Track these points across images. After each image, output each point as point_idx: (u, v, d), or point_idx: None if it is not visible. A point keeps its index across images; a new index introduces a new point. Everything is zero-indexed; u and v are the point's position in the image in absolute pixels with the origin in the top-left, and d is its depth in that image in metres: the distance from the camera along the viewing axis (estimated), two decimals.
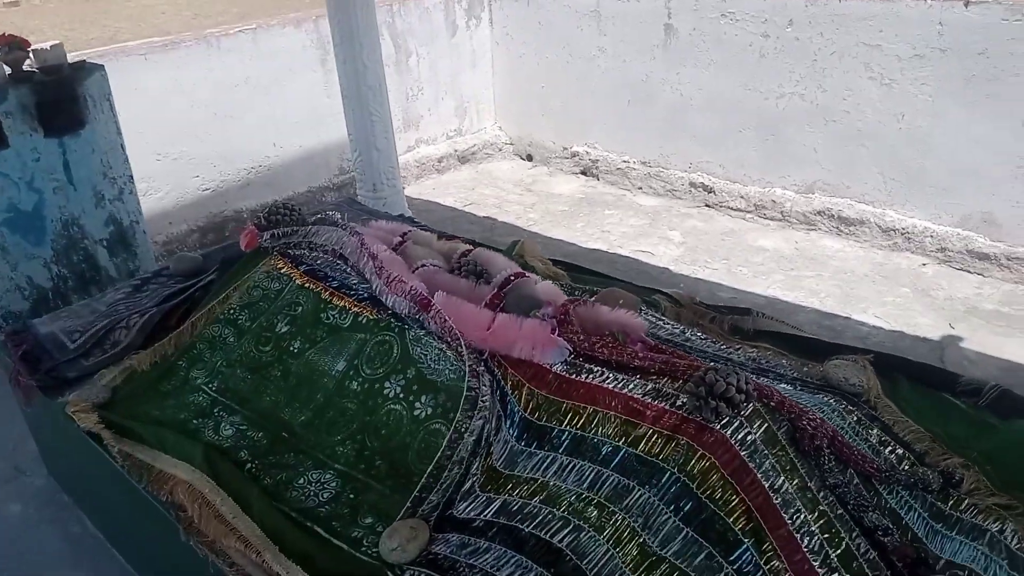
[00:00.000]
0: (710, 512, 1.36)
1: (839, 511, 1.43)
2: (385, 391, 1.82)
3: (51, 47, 3.52)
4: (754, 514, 1.36)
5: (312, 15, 4.82)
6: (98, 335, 2.30)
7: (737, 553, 1.32)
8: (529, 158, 5.73)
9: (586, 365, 1.64)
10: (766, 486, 1.39)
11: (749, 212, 4.53)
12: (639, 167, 4.98)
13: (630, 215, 4.71)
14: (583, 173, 5.33)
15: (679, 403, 1.50)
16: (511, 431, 1.62)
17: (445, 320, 1.74)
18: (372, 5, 3.77)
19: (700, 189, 4.70)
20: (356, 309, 1.97)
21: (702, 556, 1.32)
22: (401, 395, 1.79)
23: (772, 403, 1.50)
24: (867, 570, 1.36)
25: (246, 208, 4.69)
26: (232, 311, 2.17)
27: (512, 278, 1.87)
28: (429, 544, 1.52)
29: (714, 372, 1.45)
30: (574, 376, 1.62)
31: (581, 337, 1.66)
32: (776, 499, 1.39)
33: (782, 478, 1.42)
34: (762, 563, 1.31)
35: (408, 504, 1.60)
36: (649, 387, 1.55)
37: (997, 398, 1.76)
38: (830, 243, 4.19)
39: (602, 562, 1.37)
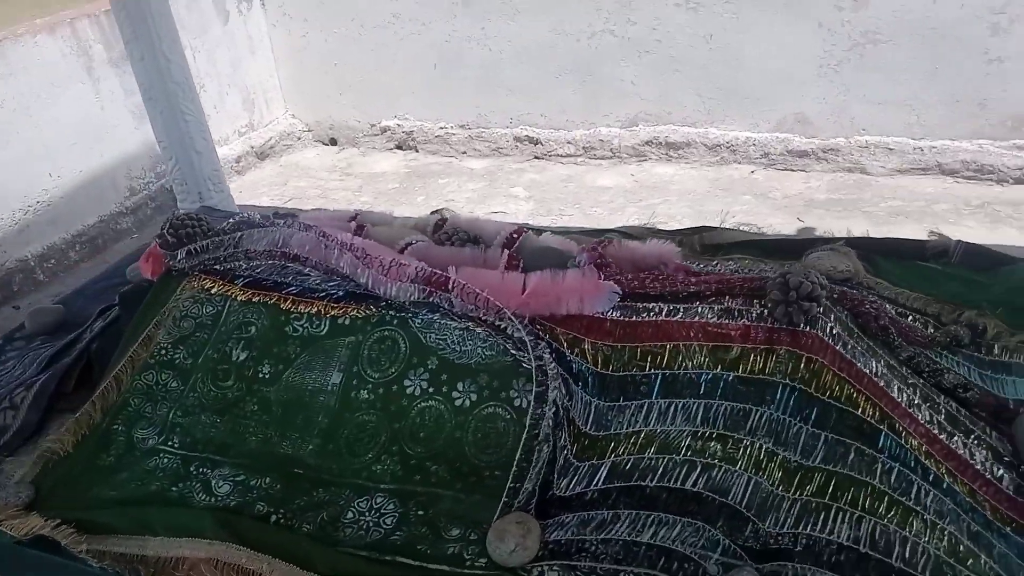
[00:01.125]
0: (839, 410, 1.34)
1: (922, 380, 1.47)
2: (408, 390, 1.59)
3: None
4: (873, 400, 1.35)
5: (65, 18, 4.13)
6: None
7: (880, 441, 1.30)
8: (333, 142, 5.39)
9: (640, 304, 1.53)
10: (868, 372, 1.39)
11: (579, 156, 4.60)
12: (459, 131, 4.87)
13: (465, 180, 4.60)
14: (399, 148, 5.12)
15: (759, 315, 1.44)
16: (587, 391, 1.47)
17: (477, 293, 1.54)
18: None
19: (526, 142, 4.69)
20: (333, 312, 1.70)
21: (852, 455, 1.29)
22: (430, 389, 1.57)
23: (834, 295, 1.50)
24: (970, 425, 1.41)
25: (31, 254, 3.97)
26: (163, 351, 1.78)
27: (515, 236, 1.71)
28: (543, 534, 1.35)
29: (793, 275, 1.41)
30: (635, 318, 1.51)
31: (629, 277, 1.54)
32: (880, 382, 1.38)
33: (873, 361, 1.42)
34: (903, 443, 1.30)
35: (504, 498, 1.41)
36: (718, 309, 1.49)
37: (964, 253, 1.91)
38: (664, 169, 4.37)
39: (748, 492, 1.29)
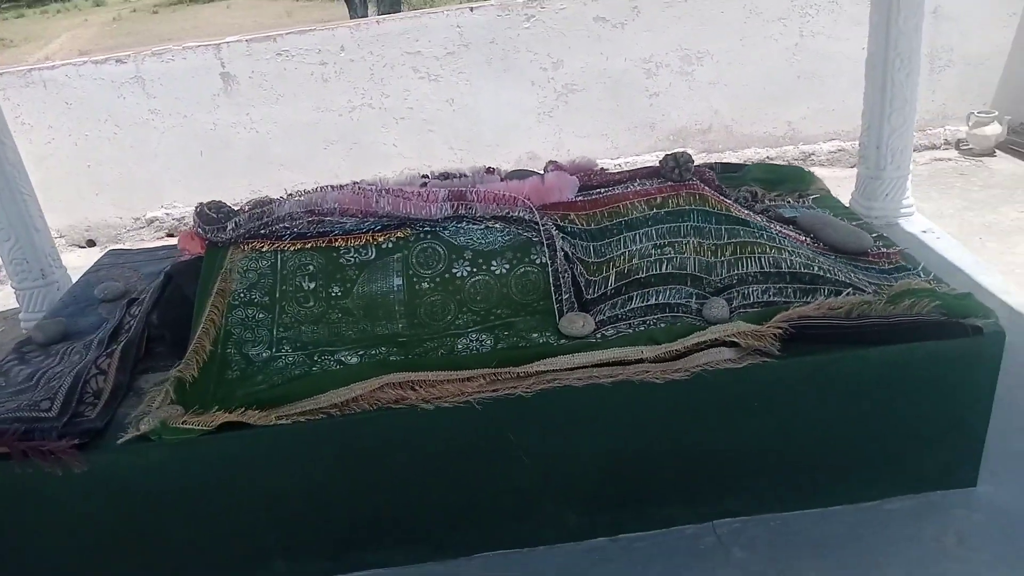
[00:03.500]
0: (723, 215, 2.34)
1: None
2: (456, 275, 2.25)
3: None
4: (736, 209, 2.39)
5: None
6: (73, 394, 2.04)
7: (750, 224, 2.33)
8: (91, 243, 5.41)
9: (592, 191, 2.43)
10: (730, 201, 2.44)
11: None
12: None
13: None
14: (170, 235, 5.35)
15: (660, 182, 2.43)
16: (582, 239, 2.31)
17: (495, 195, 2.28)
18: None
19: None
20: (377, 241, 2.30)
21: (740, 232, 2.29)
22: (473, 270, 2.26)
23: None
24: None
25: None
26: (241, 295, 2.21)
27: (491, 169, 2.49)
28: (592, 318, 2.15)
29: (672, 156, 2.43)
30: (593, 196, 2.40)
31: (580, 176, 2.43)
32: (732, 203, 2.45)
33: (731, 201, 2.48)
34: (762, 225, 2.35)
35: (556, 306, 2.17)
36: (637, 185, 2.44)
37: (723, 167, 3.10)
38: None
39: (696, 264, 2.23)
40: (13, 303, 4.50)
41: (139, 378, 2.15)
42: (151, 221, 5.33)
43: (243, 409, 1.89)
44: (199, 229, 2.36)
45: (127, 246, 5.10)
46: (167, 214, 5.31)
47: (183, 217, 5.29)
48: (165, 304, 2.30)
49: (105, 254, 3.23)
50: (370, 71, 5.03)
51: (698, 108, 5.08)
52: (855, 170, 3.72)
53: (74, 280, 3.91)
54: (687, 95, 5.06)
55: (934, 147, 5.13)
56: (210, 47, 5.05)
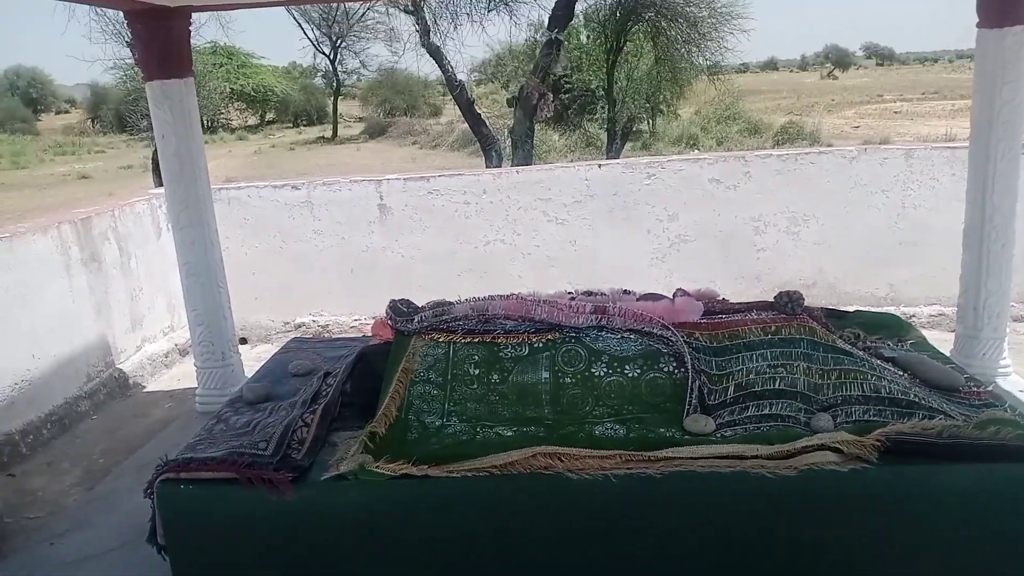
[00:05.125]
0: (828, 345, 2.72)
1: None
2: (595, 374, 2.69)
3: None
4: (844, 344, 2.77)
5: (54, 222, 4.74)
6: (284, 440, 2.53)
7: (856, 356, 2.70)
8: (243, 341, 6.10)
9: (714, 315, 2.86)
10: (835, 336, 2.82)
11: None
12: (371, 321, 5.92)
13: None
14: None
15: (775, 314, 2.85)
16: (705, 354, 2.73)
17: (635, 313, 2.75)
18: (209, 190, 4.21)
19: None
20: (531, 340, 2.78)
21: (844, 360, 2.66)
22: (609, 371, 2.69)
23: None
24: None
25: (15, 429, 4.22)
26: (421, 375, 2.70)
27: (627, 290, 2.99)
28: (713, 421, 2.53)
29: (786, 293, 2.85)
30: (715, 319, 2.84)
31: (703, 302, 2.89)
32: (838, 337, 2.82)
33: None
34: (864, 357, 2.71)
35: (688, 407, 2.56)
36: (753, 314, 2.87)
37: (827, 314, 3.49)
38: None
39: (804, 385, 2.60)
40: (174, 384, 5.18)
41: (332, 434, 2.63)
42: (299, 326, 6.00)
43: (425, 464, 2.33)
44: (391, 320, 2.90)
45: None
46: (314, 320, 5.98)
47: (327, 324, 5.96)
48: (358, 377, 2.81)
49: (290, 340, 3.82)
50: (506, 212, 5.71)
51: (803, 265, 5.50)
52: (954, 335, 4.01)
53: (244, 367, 4.55)
54: (792, 252, 5.49)
55: None
56: (372, 181, 5.87)
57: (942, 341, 4.33)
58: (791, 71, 73.47)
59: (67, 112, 50.53)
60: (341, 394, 2.75)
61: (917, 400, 2.53)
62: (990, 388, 2.73)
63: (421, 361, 2.75)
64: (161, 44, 4.02)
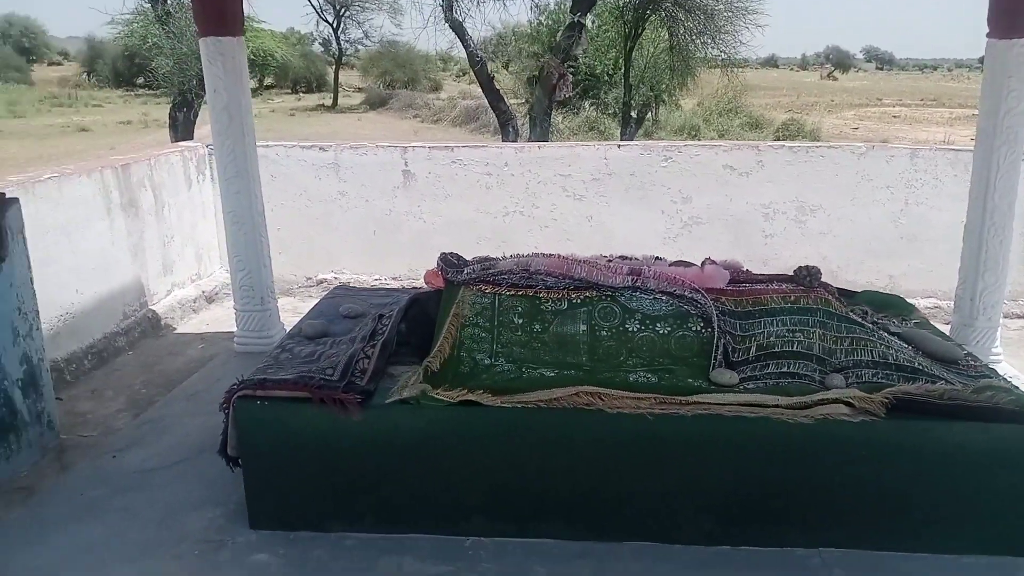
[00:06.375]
0: (843, 316, 3.00)
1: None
2: (628, 330, 2.94)
3: None
4: (856, 316, 3.04)
5: (98, 166, 4.94)
6: (349, 368, 2.78)
7: (867, 327, 2.97)
8: None
9: (739, 283, 3.13)
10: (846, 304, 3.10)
11: None
12: (391, 282, 6.16)
13: None
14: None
15: (794, 286, 3.12)
16: (730, 317, 2.99)
17: (669, 277, 3.01)
18: (255, 145, 4.42)
19: None
20: (570, 297, 3.03)
21: (857, 330, 2.94)
22: (642, 328, 2.94)
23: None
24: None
25: (60, 359, 4.44)
26: (469, 319, 2.95)
27: (659, 257, 3.24)
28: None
29: (805, 267, 3.12)
30: (739, 287, 3.10)
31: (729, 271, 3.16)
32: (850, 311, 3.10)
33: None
34: (876, 327, 2.99)
35: (715, 360, 2.82)
36: (774, 285, 3.13)
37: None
38: None
39: (820, 348, 2.87)
40: (203, 328, 5.40)
41: (390, 367, 2.88)
42: (320, 282, 6.22)
43: (480, 391, 2.59)
44: (442, 270, 3.14)
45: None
46: (335, 277, 6.20)
47: (348, 282, 6.16)
48: (411, 319, 3.06)
49: (337, 287, 4.08)
50: (526, 185, 5.94)
51: (808, 252, 5.77)
52: (949, 326, 4.30)
53: (281, 315, 4.78)
54: (799, 240, 5.77)
55: None
56: (397, 148, 6.09)
57: None
58: (791, 69, 73.72)
59: (60, 64, 50.10)
60: (397, 333, 3.00)
61: (921, 368, 2.81)
62: (986, 364, 3.01)
63: (470, 308, 3.00)
64: (216, 2, 4.21)
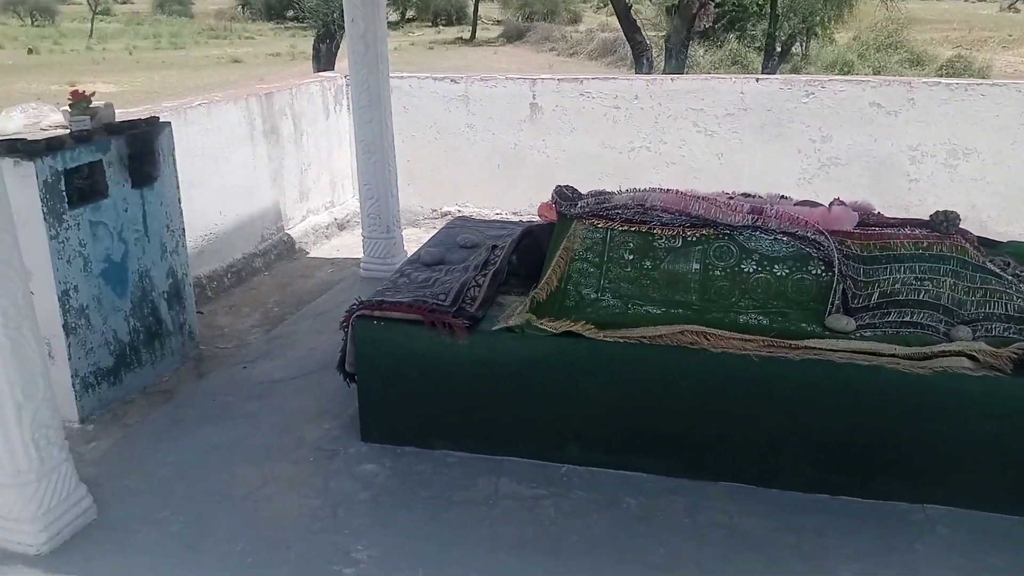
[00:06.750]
0: (978, 265, 2.80)
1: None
2: (744, 270, 2.86)
3: (104, 105, 3.66)
4: (994, 267, 2.83)
5: (243, 94, 5.21)
6: (460, 294, 2.87)
7: (1004, 278, 2.77)
8: None
9: (868, 227, 2.98)
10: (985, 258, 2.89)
11: None
12: (512, 217, 6.22)
13: None
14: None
15: (929, 231, 2.92)
16: (854, 261, 2.86)
17: (792, 217, 2.90)
18: (388, 75, 4.53)
19: None
20: (685, 234, 2.97)
21: (991, 280, 2.74)
22: (759, 269, 2.86)
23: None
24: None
25: (203, 275, 4.79)
26: (580, 253, 2.96)
27: (784, 196, 3.13)
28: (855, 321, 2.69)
29: (943, 212, 2.92)
30: (868, 231, 2.95)
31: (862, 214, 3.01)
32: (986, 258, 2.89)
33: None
34: (1011, 276, 2.78)
35: (832, 305, 2.72)
36: (906, 230, 2.95)
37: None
38: None
39: (948, 299, 2.70)
40: (334, 253, 5.68)
41: (499, 296, 2.95)
42: (444, 214, 6.37)
43: (584, 323, 2.62)
44: (556, 203, 3.15)
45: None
46: (459, 210, 6.33)
47: (471, 215, 6.29)
48: (523, 251, 3.11)
49: (456, 218, 4.19)
50: (655, 119, 5.80)
51: (956, 199, 5.34)
52: None
53: (405, 244, 4.96)
54: (947, 186, 5.37)
55: None
56: (526, 80, 6.06)
57: None
58: (965, 0, 67.05)
59: None
60: (508, 263, 3.06)
61: None
62: None
63: (581, 242, 3.00)
64: None
